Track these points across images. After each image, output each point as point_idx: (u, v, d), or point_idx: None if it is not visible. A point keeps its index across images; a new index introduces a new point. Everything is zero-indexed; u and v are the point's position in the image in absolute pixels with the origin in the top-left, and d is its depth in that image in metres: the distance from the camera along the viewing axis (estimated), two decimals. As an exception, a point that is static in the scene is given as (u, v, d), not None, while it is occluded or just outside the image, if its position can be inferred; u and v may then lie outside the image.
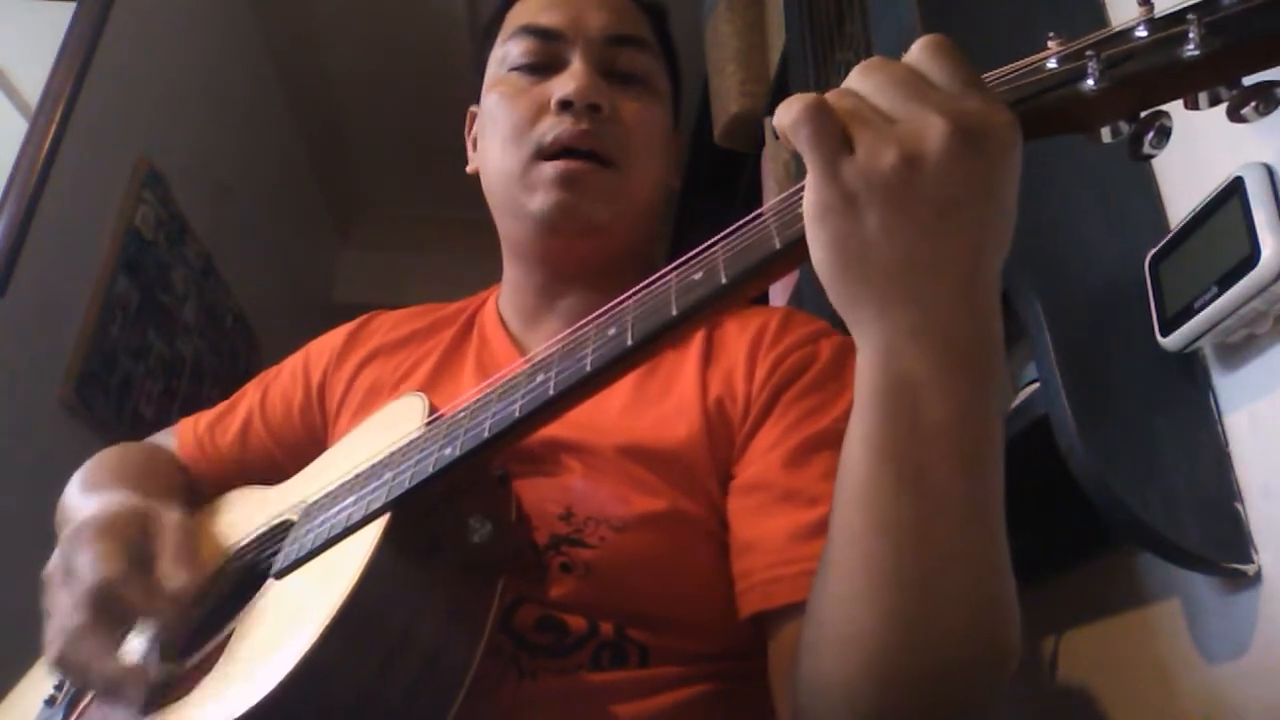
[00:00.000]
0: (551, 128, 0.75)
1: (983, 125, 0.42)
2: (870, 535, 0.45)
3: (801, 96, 0.45)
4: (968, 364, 0.44)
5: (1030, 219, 0.75)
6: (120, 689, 0.54)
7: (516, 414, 0.54)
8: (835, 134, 0.43)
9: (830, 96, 0.44)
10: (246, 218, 3.08)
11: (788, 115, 0.44)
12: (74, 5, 2.13)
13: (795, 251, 0.47)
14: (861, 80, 0.45)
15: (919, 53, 0.45)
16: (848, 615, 0.46)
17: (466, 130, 0.90)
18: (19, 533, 1.80)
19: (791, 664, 0.53)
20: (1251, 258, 0.59)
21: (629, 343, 0.51)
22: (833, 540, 0.48)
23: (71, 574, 0.59)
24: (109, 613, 0.56)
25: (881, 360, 0.44)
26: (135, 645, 0.67)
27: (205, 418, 0.91)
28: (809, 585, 0.53)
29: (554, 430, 0.58)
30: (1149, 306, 0.69)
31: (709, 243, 0.52)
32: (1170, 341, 0.67)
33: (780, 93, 1.66)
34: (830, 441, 0.62)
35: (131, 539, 0.61)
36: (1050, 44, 0.45)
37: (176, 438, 0.91)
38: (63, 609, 0.58)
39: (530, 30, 0.80)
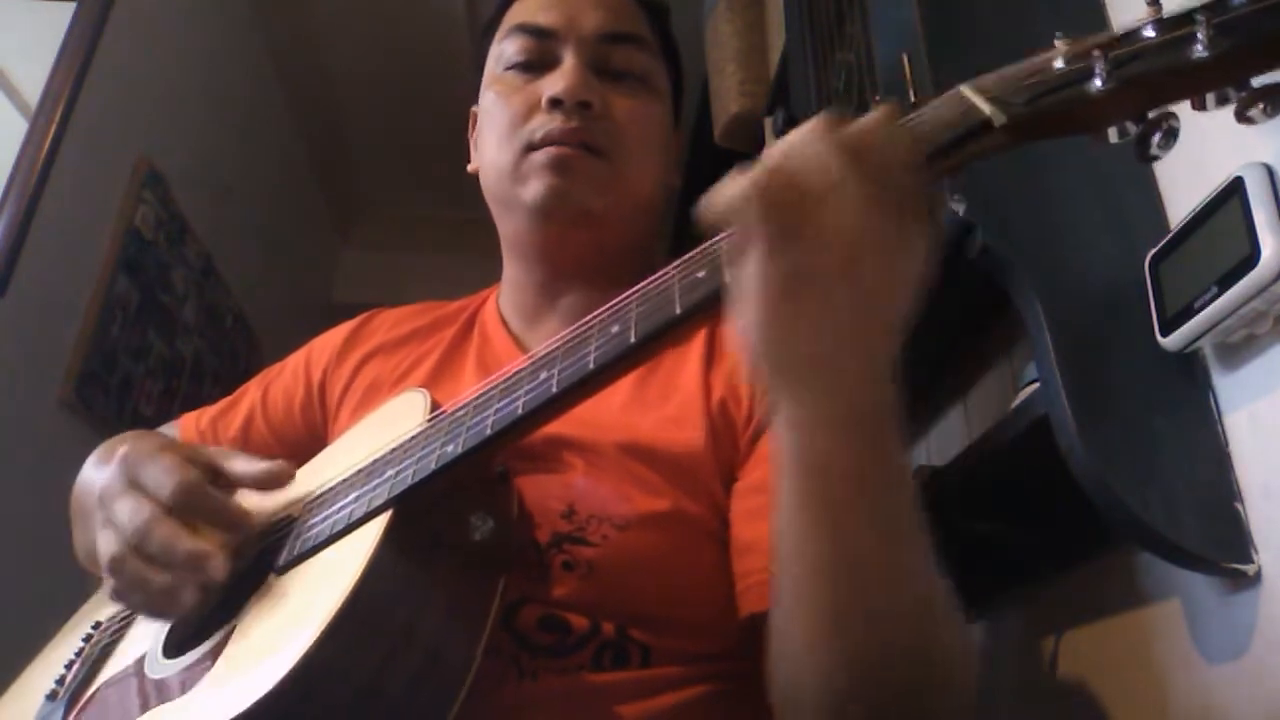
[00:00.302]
0: (542, 125, 0.76)
1: (912, 222, 0.44)
2: (809, 579, 0.49)
3: (744, 179, 0.46)
4: (873, 438, 0.47)
5: (1030, 219, 0.75)
6: (205, 562, 0.55)
7: (519, 411, 0.54)
8: (779, 218, 0.44)
9: (774, 173, 0.45)
10: (246, 218, 3.09)
11: (726, 198, 0.46)
12: (74, 5, 2.13)
13: None
14: (806, 146, 0.45)
15: (873, 123, 0.46)
16: (811, 656, 0.50)
17: (470, 130, 0.90)
18: (19, 533, 1.81)
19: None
20: (1251, 258, 0.59)
21: (632, 340, 0.51)
22: (782, 590, 0.52)
23: (141, 485, 0.60)
24: (190, 509, 0.58)
25: (799, 441, 0.47)
26: (135, 646, 0.67)
27: (208, 413, 0.91)
28: None
29: (555, 428, 0.58)
30: (1149, 306, 0.69)
31: (712, 240, 0.52)
32: (1170, 341, 0.67)
33: (780, 93, 1.66)
34: None
35: (197, 456, 0.64)
36: (1057, 44, 0.45)
37: (179, 431, 0.91)
38: (132, 511, 0.58)
39: (525, 29, 0.81)
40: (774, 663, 0.53)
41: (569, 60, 0.78)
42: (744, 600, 0.61)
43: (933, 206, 0.45)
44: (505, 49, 0.82)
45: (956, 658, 0.51)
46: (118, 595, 0.60)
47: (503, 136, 0.78)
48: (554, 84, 0.76)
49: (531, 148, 0.76)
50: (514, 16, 0.83)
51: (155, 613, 0.60)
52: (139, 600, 0.58)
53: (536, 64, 0.80)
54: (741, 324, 0.47)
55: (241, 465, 0.64)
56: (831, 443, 0.46)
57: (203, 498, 0.59)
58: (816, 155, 0.45)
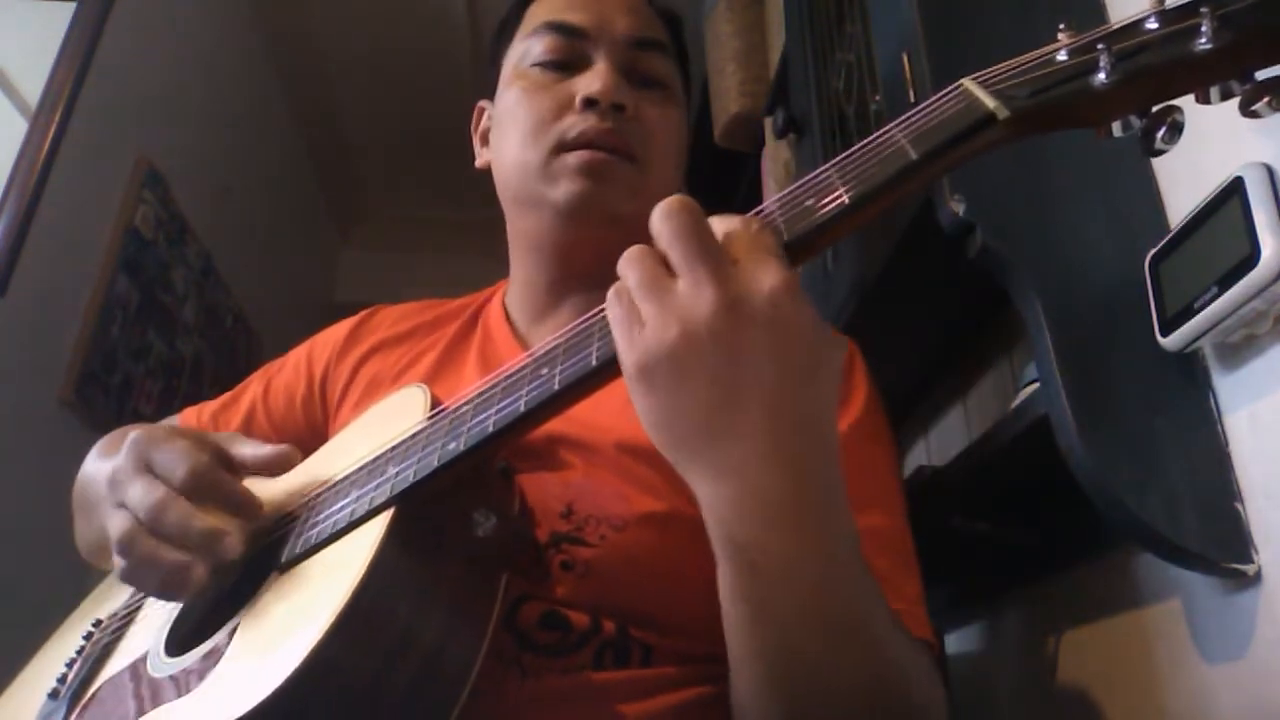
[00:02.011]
0: (575, 124, 0.76)
1: (748, 291, 0.44)
2: (742, 661, 0.51)
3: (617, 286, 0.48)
4: (792, 524, 0.46)
5: (1030, 219, 0.75)
6: (219, 540, 0.56)
7: (521, 408, 0.54)
8: (629, 308, 0.47)
9: (625, 262, 0.48)
10: (246, 218, 3.09)
11: (608, 312, 0.49)
12: (74, 5, 2.13)
13: (800, 248, 0.47)
14: (662, 223, 0.47)
15: (719, 222, 0.48)
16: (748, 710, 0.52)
17: (474, 125, 0.90)
18: (19, 532, 1.81)
19: None
20: (1251, 258, 0.59)
21: None
22: (729, 650, 0.53)
23: (153, 467, 0.60)
24: (203, 491, 0.59)
25: (712, 520, 0.48)
26: (138, 643, 0.67)
27: (209, 408, 0.91)
28: None
29: (555, 427, 0.58)
30: (1149, 306, 0.69)
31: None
32: (1170, 341, 0.67)
33: (780, 93, 1.66)
34: None
35: (208, 440, 0.64)
36: (1060, 36, 0.45)
37: (180, 426, 0.91)
38: (145, 490, 0.58)
39: (556, 27, 0.81)
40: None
41: (602, 62, 0.78)
42: None
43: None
44: (532, 46, 0.81)
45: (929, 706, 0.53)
46: (129, 575, 0.59)
47: (530, 134, 0.78)
48: (589, 84, 0.76)
49: (563, 147, 0.76)
50: (540, 14, 0.83)
51: (167, 593, 0.60)
52: (151, 580, 0.58)
53: (566, 63, 0.80)
54: (639, 413, 0.48)
55: (249, 450, 0.65)
56: (739, 525, 0.47)
57: (215, 481, 0.60)
58: (660, 242, 0.47)
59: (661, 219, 0.47)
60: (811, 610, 0.48)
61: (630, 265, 0.48)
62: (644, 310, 0.46)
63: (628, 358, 0.47)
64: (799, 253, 0.48)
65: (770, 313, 0.44)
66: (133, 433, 0.64)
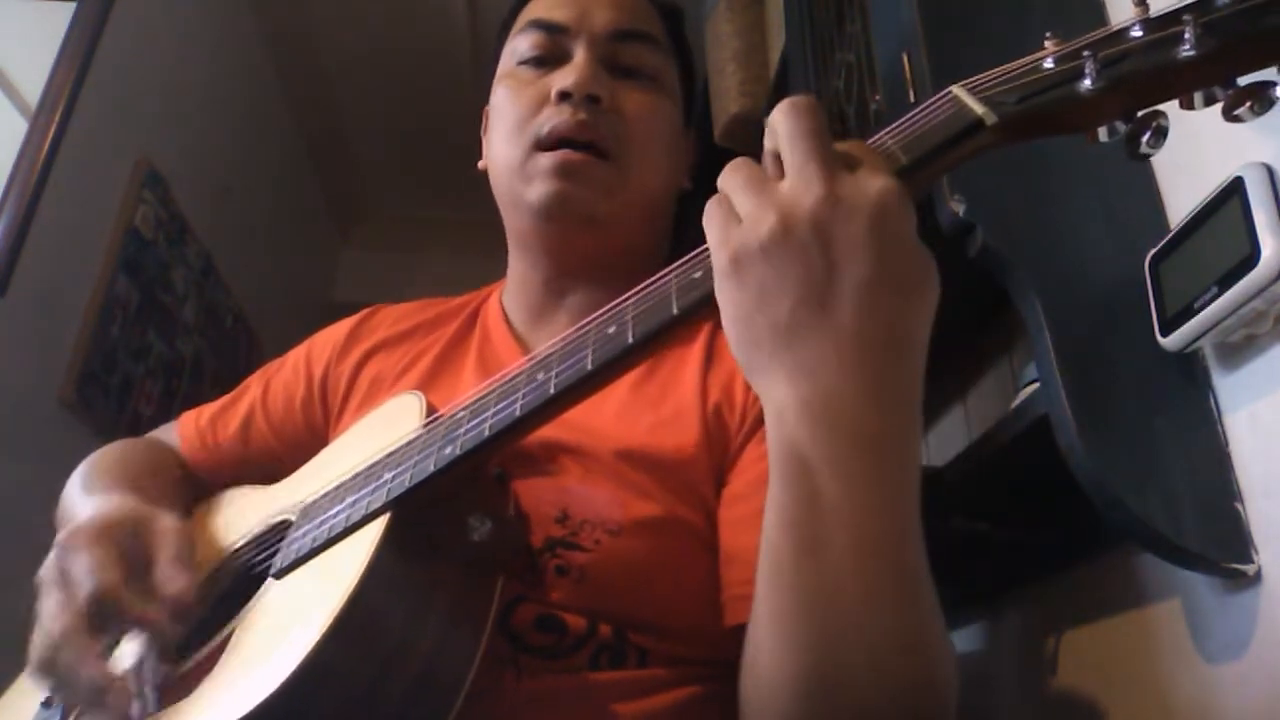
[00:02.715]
0: (550, 118, 0.76)
1: (855, 195, 0.43)
2: (779, 596, 0.47)
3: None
4: (869, 444, 0.44)
5: (1030, 219, 0.75)
6: (104, 698, 0.53)
7: (517, 413, 0.54)
8: (728, 209, 0.46)
9: (727, 171, 0.48)
10: (246, 218, 3.09)
11: (705, 220, 0.48)
12: (74, 5, 2.13)
13: None
14: (780, 118, 0.46)
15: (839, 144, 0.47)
16: (772, 665, 0.48)
17: (482, 130, 0.90)
18: (19, 532, 1.80)
19: None
20: (1251, 258, 0.59)
21: (629, 341, 0.51)
22: (756, 596, 0.50)
23: (66, 579, 0.58)
24: (102, 619, 0.55)
25: (775, 426, 0.45)
26: (129, 650, 0.67)
27: (208, 411, 0.91)
28: None
29: (551, 432, 0.58)
30: (1149, 306, 0.69)
31: None
32: (1170, 341, 0.67)
33: (780, 92, 1.66)
34: None
35: (127, 544, 0.60)
36: (1047, 44, 0.46)
37: (178, 430, 0.91)
38: (52, 613, 0.56)
39: (538, 24, 0.81)
40: (744, 669, 0.53)
41: (580, 55, 0.78)
42: (728, 610, 0.61)
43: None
44: (518, 45, 0.82)
45: (946, 690, 0.48)
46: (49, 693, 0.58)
47: (511, 131, 0.78)
48: (564, 77, 0.77)
49: (539, 145, 0.76)
50: (528, 13, 0.84)
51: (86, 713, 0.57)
52: (68, 701, 0.58)
53: (548, 59, 0.80)
54: (721, 310, 0.47)
55: (163, 569, 0.59)
56: (803, 432, 0.44)
57: (116, 607, 0.55)
58: (785, 128, 0.46)
59: (783, 114, 0.46)
60: (867, 548, 0.44)
61: (733, 170, 0.47)
62: (742, 205, 0.45)
63: (721, 253, 0.45)
64: None
65: (876, 212, 0.43)
66: (61, 535, 0.61)
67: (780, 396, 0.45)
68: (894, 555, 0.45)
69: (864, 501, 0.44)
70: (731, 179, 0.47)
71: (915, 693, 0.46)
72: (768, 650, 0.48)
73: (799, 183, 0.44)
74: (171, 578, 0.58)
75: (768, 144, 0.48)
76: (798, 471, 0.44)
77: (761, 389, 0.46)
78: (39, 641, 0.56)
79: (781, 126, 0.46)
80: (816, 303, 0.43)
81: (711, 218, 0.47)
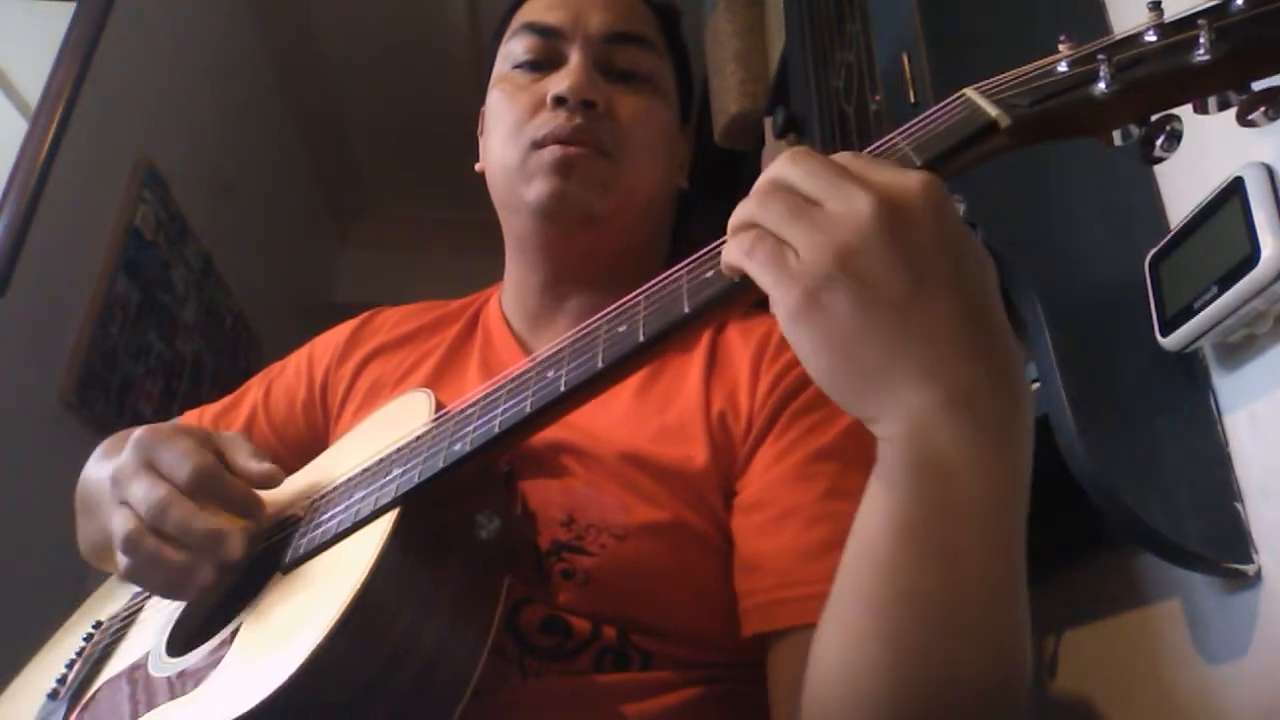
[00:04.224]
0: (546, 123, 0.76)
1: (902, 190, 0.42)
2: (893, 607, 0.44)
3: (736, 224, 0.46)
4: (1002, 437, 0.43)
5: (1030, 219, 0.75)
6: (217, 550, 0.55)
7: (528, 410, 0.54)
8: (773, 245, 0.44)
9: (755, 205, 0.45)
10: (246, 218, 3.09)
11: (732, 255, 0.46)
12: (74, 5, 2.13)
13: None
14: (788, 168, 0.45)
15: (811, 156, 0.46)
16: (862, 683, 0.45)
17: (479, 132, 0.90)
18: (19, 532, 1.81)
19: (792, 696, 0.53)
20: (1251, 258, 0.59)
21: (640, 339, 0.51)
22: (846, 604, 0.47)
23: (156, 465, 0.60)
24: (204, 495, 0.58)
25: (908, 441, 0.43)
26: (135, 646, 0.67)
27: (210, 411, 0.91)
28: (810, 609, 0.53)
29: (557, 434, 0.58)
30: (1149, 306, 0.69)
31: (721, 240, 0.52)
32: (1170, 341, 0.67)
33: (780, 93, 1.66)
34: (833, 456, 0.63)
35: (210, 441, 0.63)
36: (1061, 47, 0.46)
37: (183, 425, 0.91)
38: (149, 487, 0.58)
39: (532, 28, 0.81)
40: (810, 687, 0.49)
41: (575, 59, 0.78)
42: (747, 619, 0.61)
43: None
44: (513, 48, 0.82)
45: (1022, 707, 0.46)
46: (133, 573, 0.59)
47: (507, 134, 0.78)
48: (559, 82, 0.76)
49: (536, 146, 0.76)
50: (522, 16, 0.84)
51: (170, 592, 0.60)
52: (155, 578, 0.58)
53: (543, 63, 0.80)
54: (805, 354, 0.44)
55: (245, 460, 0.64)
56: (946, 437, 0.42)
57: (219, 482, 0.59)
58: (791, 174, 0.45)
59: (789, 161, 0.45)
60: (995, 549, 0.43)
61: (761, 202, 0.45)
62: (794, 237, 0.43)
63: (788, 294, 0.43)
64: None
65: (929, 202, 0.42)
66: (136, 431, 0.64)
67: (913, 405, 0.42)
68: (1015, 552, 0.44)
69: (997, 499, 0.43)
70: (765, 212, 0.44)
71: (1018, 691, 0.45)
72: (859, 667, 0.45)
73: (842, 200, 0.42)
74: (255, 463, 0.62)
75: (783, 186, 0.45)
76: (935, 476, 0.42)
77: (879, 408, 0.43)
78: (129, 517, 0.58)
79: (793, 170, 0.45)
80: (914, 304, 0.42)
81: (757, 257, 0.44)
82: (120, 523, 0.59)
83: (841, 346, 0.42)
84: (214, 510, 0.58)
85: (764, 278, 0.44)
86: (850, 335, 0.42)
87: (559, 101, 0.76)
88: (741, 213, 0.46)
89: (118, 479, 0.61)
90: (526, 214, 0.78)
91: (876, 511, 0.45)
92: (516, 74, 0.81)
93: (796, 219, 0.43)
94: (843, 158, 0.46)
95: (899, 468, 0.43)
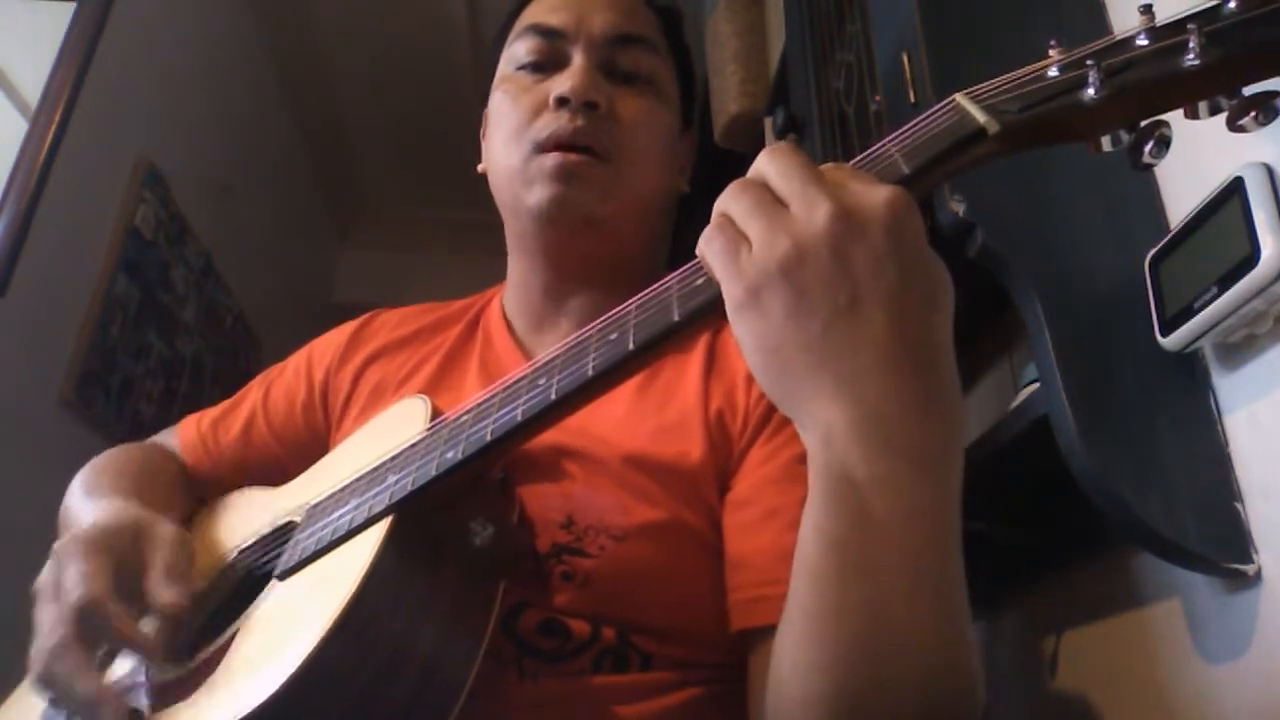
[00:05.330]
0: (548, 124, 0.76)
1: (863, 204, 0.42)
2: (821, 617, 0.45)
3: (714, 220, 0.46)
4: (919, 461, 0.43)
5: (1030, 219, 0.75)
6: (97, 711, 0.53)
7: (519, 418, 0.54)
8: (732, 237, 0.45)
9: (729, 195, 0.46)
10: (246, 218, 3.09)
11: (700, 242, 0.46)
12: (74, 5, 2.13)
13: None
14: (767, 164, 0.46)
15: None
16: (805, 682, 0.47)
17: (481, 133, 0.90)
18: (19, 533, 1.81)
19: (761, 691, 0.54)
20: (1251, 258, 0.59)
21: (630, 347, 0.51)
22: (789, 612, 0.48)
23: (59, 590, 0.58)
24: (94, 630, 0.55)
25: (820, 453, 0.44)
26: (124, 663, 0.67)
27: (208, 416, 0.91)
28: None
29: (554, 437, 0.58)
30: (1149, 306, 0.69)
31: None
32: (1170, 341, 0.67)
33: (780, 93, 1.66)
34: None
35: (122, 553, 0.60)
36: (1051, 52, 0.45)
37: (179, 436, 0.91)
38: (48, 624, 0.57)
39: (535, 29, 0.81)
40: (770, 684, 0.51)
41: (577, 60, 0.78)
42: (733, 615, 0.61)
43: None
44: (516, 49, 0.82)
45: (977, 693, 0.47)
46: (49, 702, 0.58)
47: (510, 137, 0.78)
48: (561, 83, 0.76)
49: (539, 149, 0.76)
50: (525, 18, 0.84)
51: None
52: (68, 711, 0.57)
53: (546, 64, 0.80)
54: (742, 346, 0.45)
55: (155, 580, 0.59)
56: (854, 455, 0.43)
57: (100, 619, 0.55)
58: (762, 172, 0.46)
59: (768, 158, 0.46)
60: (916, 566, 0.43)
61: (734, 194, 0.46)
62: (752, 230, 0.44)
63: (735, 285, 0.44)
64: None
65: (888, 219, 0.42)
66: (59, 541, 0.61)
67: (825, 419, 0.43)
68: (940, 569, 0.44)
69: (913, 518, 0.43)
70: (735, 204, 0.45)
71: (955, 701, 0.46)
72: (804, 667, 0.47)
73: (804, 205, 0.43)
74: (164, 588, 0.58)
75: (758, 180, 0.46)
76: (846, 493, 0.43)
77: (799, 415, 0.45)
78: (36, 653, 0.57)
79: (770, 167, 0.46)
80: (847, 319, 0.42)
81: (714, 246, 0.45)
82: (33, 656, 0.57)
83: (774, 348, 0.44)
84: (101, 645, 0.56)
85: (716, 267, 0.45)
86: (782, 340, 0.43)
87: (561, 102, 0.76)
88: (718, 201, 0.47)
89: (37, 594, 0.60)
90: (527, 217, 0.78)
91: (806, 525, 0.46)
92: (520, 75, 0.81)
93: (757, 215, 0.44)
94: (826, 166, 0.46)
95: (815, 478, 0.45)
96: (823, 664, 0.45)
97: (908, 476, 0.43)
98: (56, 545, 0.61)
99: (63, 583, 0.58)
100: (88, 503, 0.75)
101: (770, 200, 0.44)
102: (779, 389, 0.45)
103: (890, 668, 0.44)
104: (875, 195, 0.43)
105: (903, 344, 0.42)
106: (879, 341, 0.42)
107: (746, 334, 0.44)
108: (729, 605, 0.62)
